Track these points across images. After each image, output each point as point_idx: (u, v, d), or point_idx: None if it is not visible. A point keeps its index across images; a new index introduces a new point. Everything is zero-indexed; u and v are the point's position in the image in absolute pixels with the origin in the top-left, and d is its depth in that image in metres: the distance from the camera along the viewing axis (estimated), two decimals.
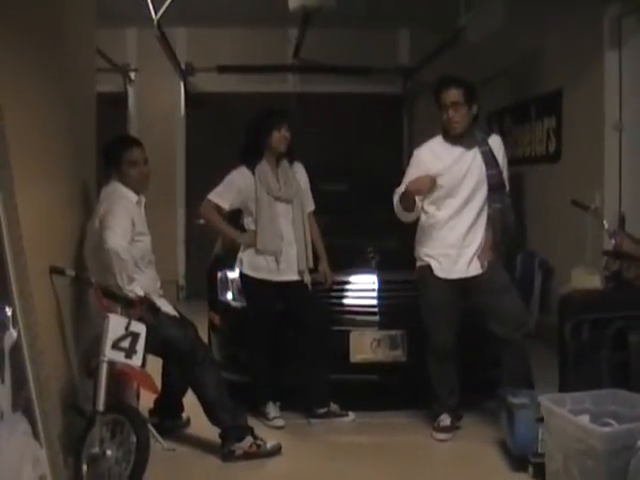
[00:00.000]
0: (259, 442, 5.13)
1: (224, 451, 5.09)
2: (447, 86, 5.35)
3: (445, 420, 5.48)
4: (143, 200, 5.25)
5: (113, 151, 5.23)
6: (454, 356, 5.45)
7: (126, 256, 4.84)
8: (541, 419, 4.49)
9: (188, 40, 10.98)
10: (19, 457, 3.58)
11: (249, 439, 5.11)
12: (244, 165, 5.80)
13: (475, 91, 5.44)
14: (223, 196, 5.78)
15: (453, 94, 5.32)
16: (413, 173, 5.41)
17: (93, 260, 5.03)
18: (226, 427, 5.12)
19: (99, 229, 4.91)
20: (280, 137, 5.73)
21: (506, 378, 5.35)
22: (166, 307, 5.16)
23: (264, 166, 5.76)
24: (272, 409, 5.75)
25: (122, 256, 4.81)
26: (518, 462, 4.81)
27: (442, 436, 5.43)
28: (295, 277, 5.74)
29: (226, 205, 5.79)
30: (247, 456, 5.06)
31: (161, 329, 4.95)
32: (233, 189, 5.78)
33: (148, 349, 4.67)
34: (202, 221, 6.09)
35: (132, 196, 5.16)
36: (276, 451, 5.17)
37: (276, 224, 5.70)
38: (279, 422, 5.69)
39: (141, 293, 4.87)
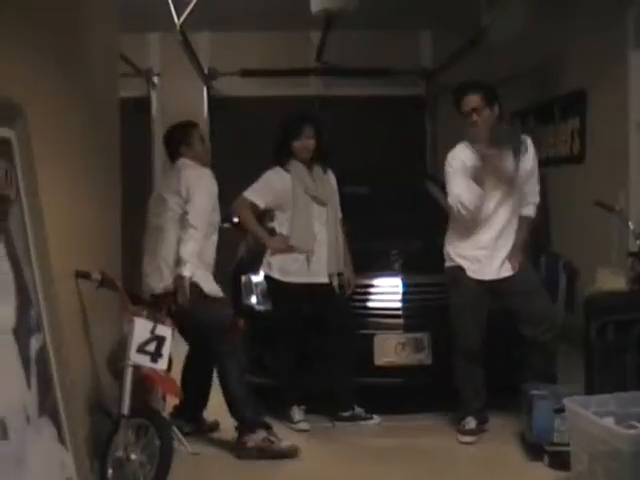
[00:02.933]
0: (273, 439, 5.15)
1: (237, 443, 5.16)
2: (465, 93, 5.36)
3: (470, 423, 5.46)
4: None
5: (183, 131, 5.55)
6: (481, 358, 5.44)
7: (200, 235, 5.09)
8: (558, 410, 4.52)
9: (211, 44, 11.00)
10: (45, 461, 3.60)
11: (262, 433, 5.14)
12: (278, 166, 5.81)
13: (494, 91, 5.44)
14: (260, 194, 5.78)
15: (472, 100, 5.32)
16: (460, 176, 5.36)
17: (154, 231, 5.32)
18: (243, 419, 5.18)
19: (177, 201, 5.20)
20: (301, 146, 5.75)
21: (531, 378, 5.34)
22: (212, 287, 5.27)
23: (298, 166, 5.78)
24: (297, 412, 5.75)
25: (198, 235, 5.06)
26: (534, 452, 4.86)
27: (467, 439, 5.42)
28: (325, 279, 5.72)
29: (262, 204, 5.78)
30: (260, 451, 5.09)
31: (203, 310, 5.12)
32: (270, 189, 5.79)
33: (187, 330, 5.12)
34: (235, 219, 6.14)
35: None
36: (292, 452, 5.17)
37: (310, 224, 5.70)
38: (304, 425, 5.69)
39: (187, 274, 4.97)
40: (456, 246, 5.46)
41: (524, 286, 5.35)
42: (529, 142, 5.50)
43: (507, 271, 5.36)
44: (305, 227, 5.69)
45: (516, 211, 5.41)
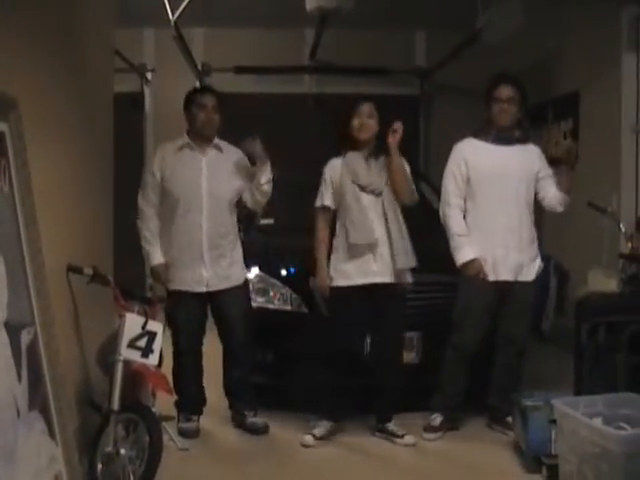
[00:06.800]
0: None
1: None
2: (505, 82, 5.47)
3: (436, 419, 5.49)
4: None
5: None
6: (471, 360, 5.45)
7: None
8: (554, 421, 4.49)
9: (205, 40, 10.99)
10: (35, 455, 3.60)
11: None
12: (333, 157, 5.47)
13: (526, 95, 5.54)
14: (325, 194, 5.40)
15: (510, 90, 5.42)
16: (455, 171, 5.47)
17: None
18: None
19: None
20: (360, 124, 5.33)
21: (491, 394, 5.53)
22: None
23: (354, 155, 5.36)
24: (323, 428, 5.45)
25: None
26: (531, 464, 4.80)
27: (431, 436, 5.44)
28: (387, 279, 5.26)
29: (331, 203, 5.37)
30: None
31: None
32: (330, 184, 5.39)
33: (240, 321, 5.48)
34: None
35: None
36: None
37: (365, 215, 5.24)
38: (308, 439, 5.37)
39: None
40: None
41: (519, 303, 5.40)
42: (538, 151, 5.59)
43: (517, 276, 5.37)
44: (361, 220, 5.23)
45: (526, 215, 5.42)
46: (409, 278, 5.34)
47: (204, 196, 5.36)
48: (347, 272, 5.28)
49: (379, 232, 5.24)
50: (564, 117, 8.44)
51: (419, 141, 11.45)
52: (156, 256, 5.37)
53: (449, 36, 9.43)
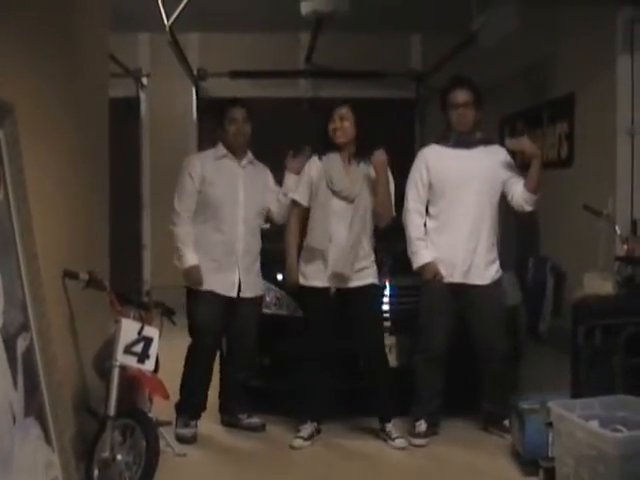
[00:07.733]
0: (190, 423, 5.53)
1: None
2: (460, 86, 5.43)
3: (421, 426, 5.46)
4: None
5: None
6: (443, 361, 5.45)
7: None
8: (551, 423, 4.48)
9: (200, 45, 11.01)
10: (31, 461, 3.59)
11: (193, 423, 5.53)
12: (316, 156, 5.54)
13: (482, 97, 5.50)
14: (299, 190, 5.51)
15: (465, 94, 5.40)
16: (416, 177, 5.50)
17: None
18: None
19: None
20: (334, 127, 5.42)
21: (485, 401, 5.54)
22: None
23: (334, 157, 5.46)
24: (308, 429, 5.51)
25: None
26: (529, 467, 4.80)
27: (419, 441, 5.41)
28: (348, 284, 5.35)
29: (304, 201, 5.48)
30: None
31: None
32: (306, 182, 5.49)
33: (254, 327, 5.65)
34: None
35: None
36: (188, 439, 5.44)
37: (327, 220, 5.35)
38: (298, 442, 5.41)
39: None
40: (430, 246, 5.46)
41: (482, 307, 5.39)
42: (504, 152, 5.52)
43: (475, 279, 5.37)
44: (321, 224, 5.35)
45: (488, 218, 5.41)
46: (373, 279, 5.45)
47: (241, 205, 5.51)
48: (305, 273, 5.44)
49: (342, 238, 5.32)
50: (559, 120, 8.45)
51: (414, 144, 11.44)
52: (191, 258, 5.42)
53: (444, 39, 9.43)
